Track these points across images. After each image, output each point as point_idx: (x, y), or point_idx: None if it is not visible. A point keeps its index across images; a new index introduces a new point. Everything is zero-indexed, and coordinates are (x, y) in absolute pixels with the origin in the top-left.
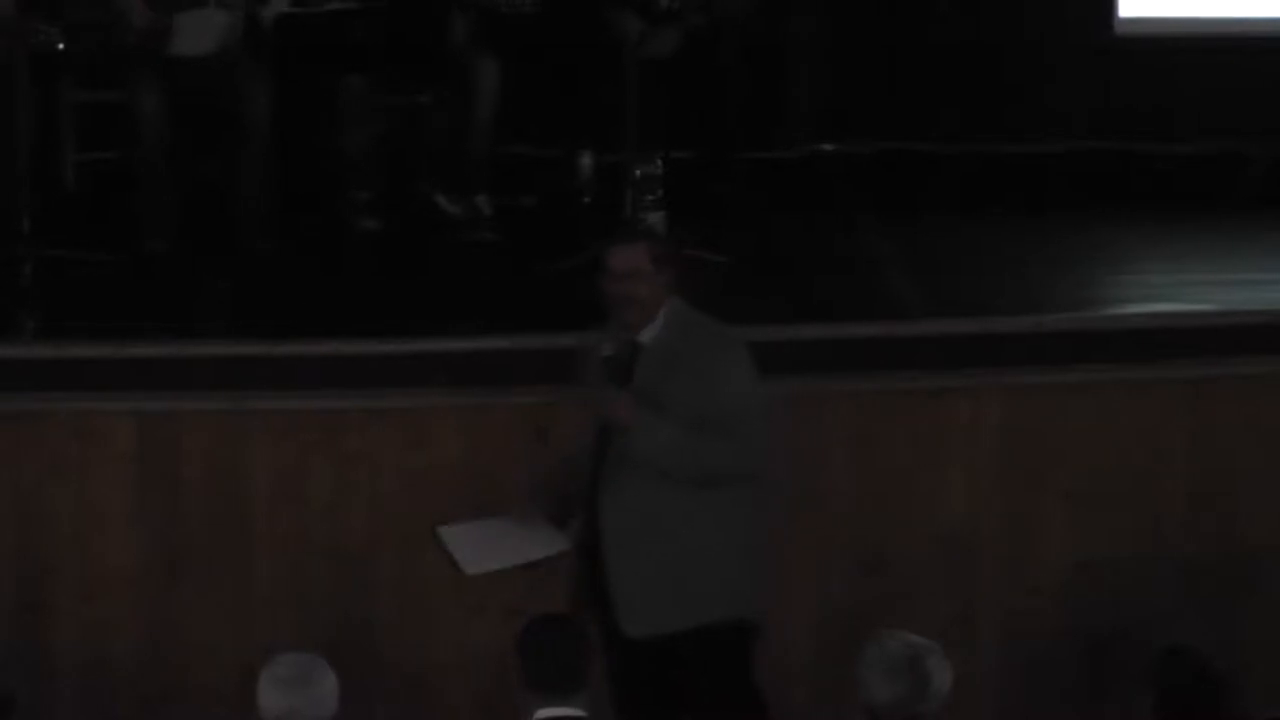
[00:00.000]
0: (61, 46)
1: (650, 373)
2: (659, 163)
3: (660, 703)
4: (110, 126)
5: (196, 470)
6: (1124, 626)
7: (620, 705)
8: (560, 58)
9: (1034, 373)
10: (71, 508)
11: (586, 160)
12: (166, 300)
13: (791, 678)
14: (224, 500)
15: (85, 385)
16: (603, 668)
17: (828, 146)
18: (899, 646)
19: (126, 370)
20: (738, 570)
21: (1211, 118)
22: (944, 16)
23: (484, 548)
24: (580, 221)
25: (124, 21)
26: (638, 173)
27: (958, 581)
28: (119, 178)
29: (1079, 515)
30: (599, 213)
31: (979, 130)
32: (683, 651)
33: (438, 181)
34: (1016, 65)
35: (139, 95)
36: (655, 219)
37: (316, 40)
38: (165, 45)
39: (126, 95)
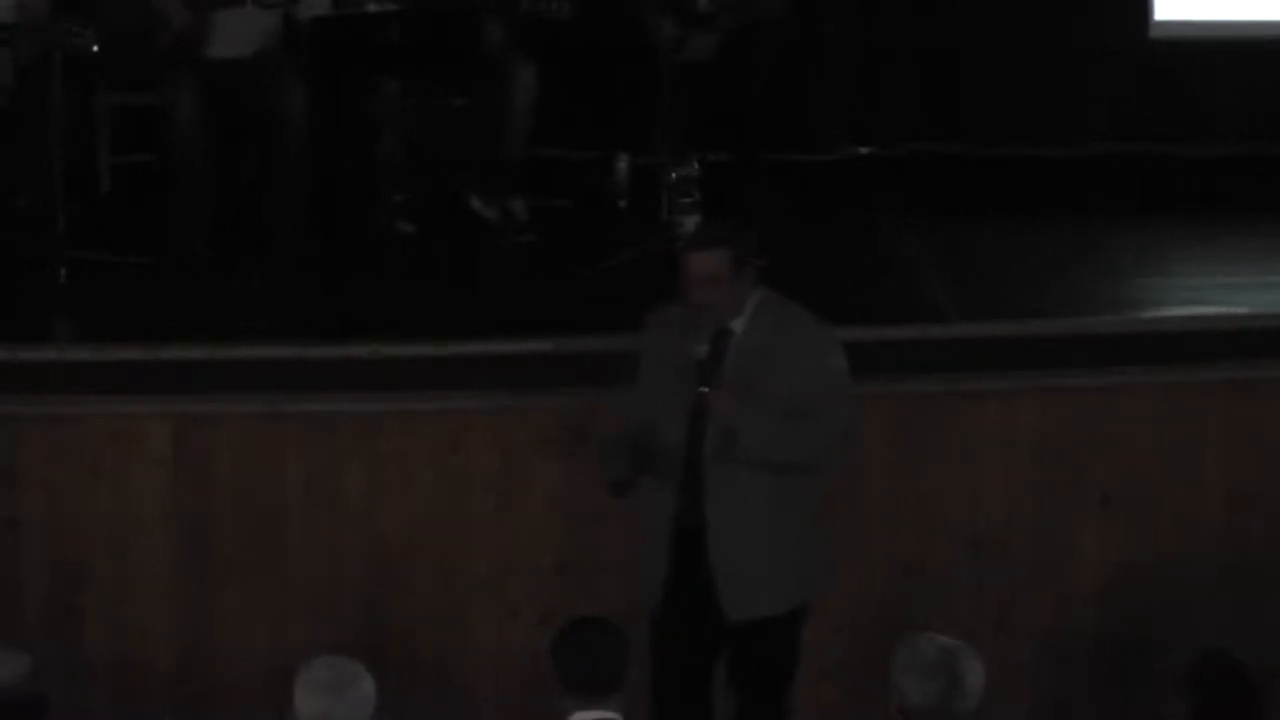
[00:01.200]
0: (96, 49)
1: (743, 362)
2: (695, 165)
3: (736, 679)
4: (145, 129)
5: (232, 473)
6: (1158, 630)
7: (693, 685)
8: (596, 61)
9: (1070, 375)
10: (106, 510)
11: (622, 163)
12: (202, 303)
13: (825, 678)
14: (259, 503)
15: (120, 388)
16: (673, 653)
17: (862, 149)
18: (931, 647)
19: (161, 373)
20: (821, 555)
21: (1249, 120)
22: (978, 19)
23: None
24: (616, 224)
25: (161, 22)
26: (674, 175)
27: (993, 584)
28: (154, 180)
29: (1115, 518)
30: (635, 216)
31: (1014, 133)
32: (774, 630)
33: (473, 185)
34: (1051, 68)
35: (175, 97)
36: (691, 222)
37: (352, 43)
38: (202, 46)
39: (162, 97)
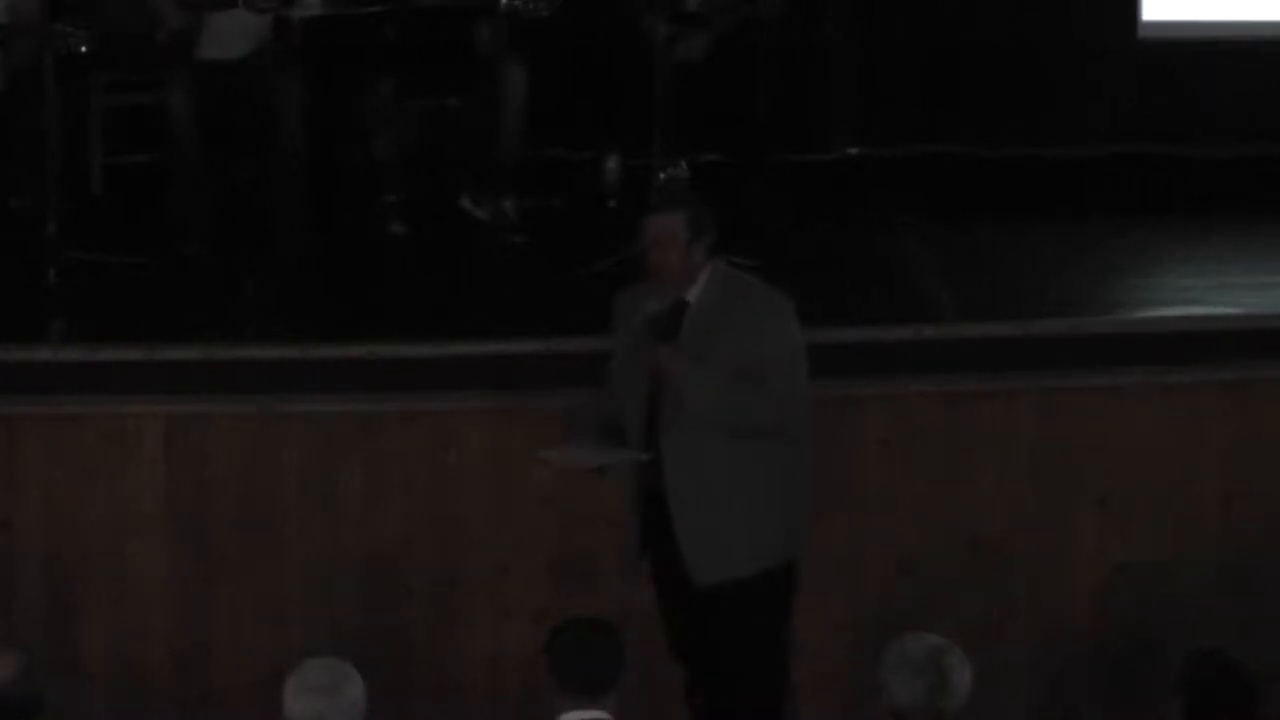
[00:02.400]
0: (85, 49)
1: (696, 329)
2: (684, 165)
3: (716, 646)
4: (139, 129)
5: (228, 473)
6: (1154, 630)
7: (677, 651)
8: (587, 61)
9: (1068, 376)
10: (103, 510)
11: (613, 163)
12: (197, 303)
13: (823, 679)
14: (255, 503)
15: (116, 388)
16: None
17: (859, 150)
18: (918, 646)
19: (157, 373)
20: (793, 514)
21: (1244, 120)
22: (975, 20)
23: (574, 455)
24: (607, 225)
25: (156, 21)
26: (662, 176)
27: (990, 584)
28: (148, 180)
29: (1112, 518)
30: (625, 216)
31: (1011, 133)
32: (743, 595)
33: (464, 185)
34: (1049, 68)
35: (172, 96)
36: None
37: (346, 43)
38: (195, 46)
39: (159, 97)
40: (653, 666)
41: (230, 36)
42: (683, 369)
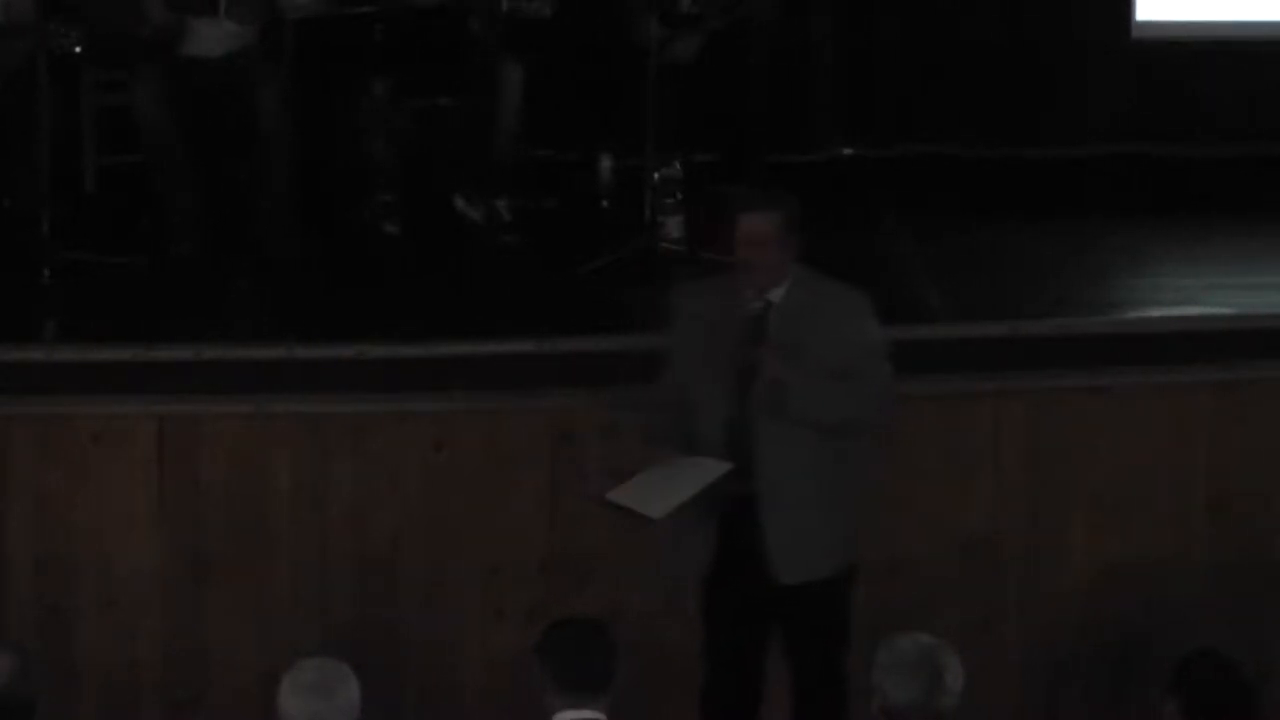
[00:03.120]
0: (78, 49)
1: (786, 329)
2: (678, 166)
3: (797, 645)
4: (131, 129)
5: (219, 473)
6: (1148, 630)
7: (726, 656)
8: (581, 62)
9: (1059, 376)
10: (94, 511)
11: (607, 164)
12: (189, 303)
13: None
14: (246, 503)
15: (107, 388)
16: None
17: (851, 150)
18: (910, 645)
19: (148, 373)
20: (864, 515)
21: (1238, 120)
22: (970, 20)
23: (656, 492)
24: (600, 225)
25: (140, 17)
26: (657, 176)
27: (981, 585)
28: (140, 181)
29: (1103, 518)
30: (618, 216)
31: (1006, 133)
32: (825, 593)
33: (458, 185)
34: (1044, 68)
35: (140, 92)
36: (675, 222)
37: (340, 43)
38: (179, 44)
39: (136, 94)
40: (648, 667)
41: (212, 38)
42: (782, 372)
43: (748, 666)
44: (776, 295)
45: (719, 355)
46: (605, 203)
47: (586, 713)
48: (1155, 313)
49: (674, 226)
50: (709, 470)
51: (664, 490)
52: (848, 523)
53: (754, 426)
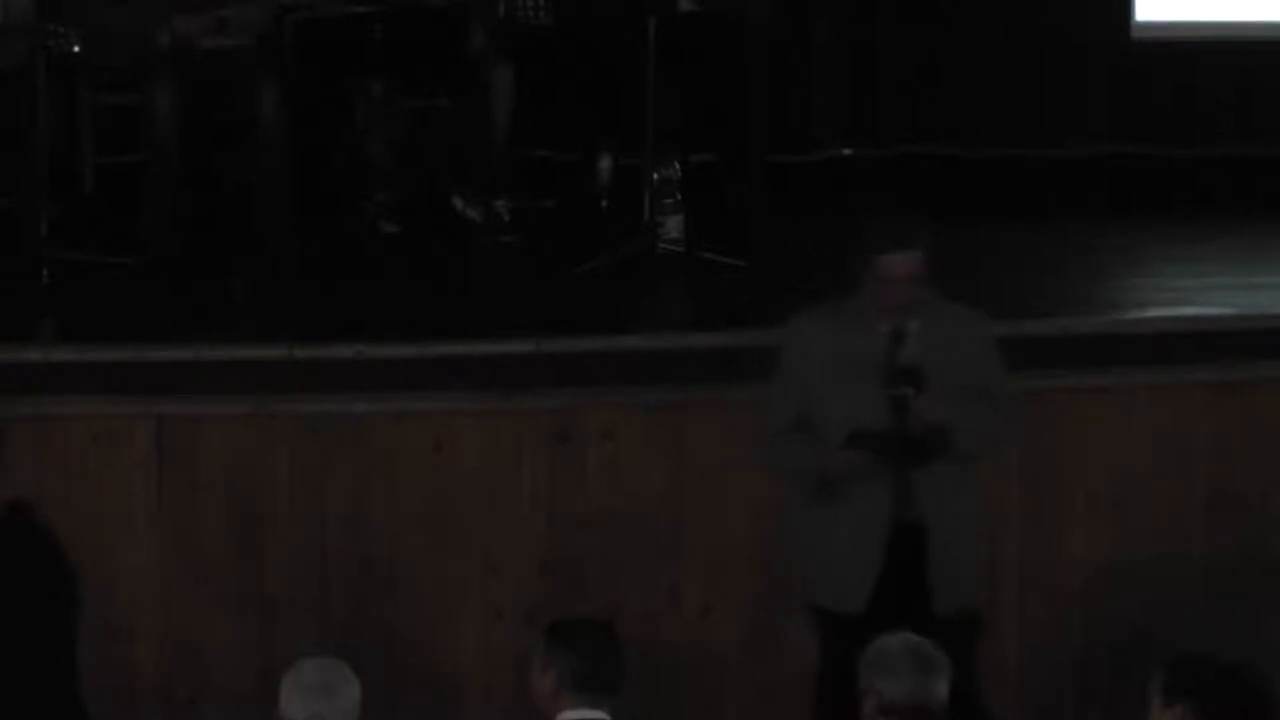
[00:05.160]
0: (76, 49)
1: (925, 359)
2: (676, 166)
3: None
4: (129, 130)
5: (217, 473)
6: (1147, 630)
7: None
8: (579, 62)
9: (1058, 376)
10: (91, 511)
11: (605, 164)
12: (186, 303)
13: (812, 681)
14: (244, 503)
15: (105, 388)
16: None
17: (850, 150)
18: (895, 641)
19: (146, 373)
20: None
21: (1236, 121)
22: (967, 20)
23: None
24: (598, 225)
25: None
26: (655, 176)
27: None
28: (138, 181)
29: (1101, 518)
30: (617, 216)
31: (1004, 134)
32: (968, 623)
33: (456, 185)
34: (1042, 68)
35: (159, 99)
36: (673, 223)
37: (337, 43)
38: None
39: (144, 97)
40: (648, 667)
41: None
42: (939, 410)
43: None
44: (911, 326)
45: (851, 384)
46: (604, 203)
47: (594, 713)
48: (1155, 313)
49: (673, 226)
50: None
51: None
52: (981, 548)
53: (903, 456)
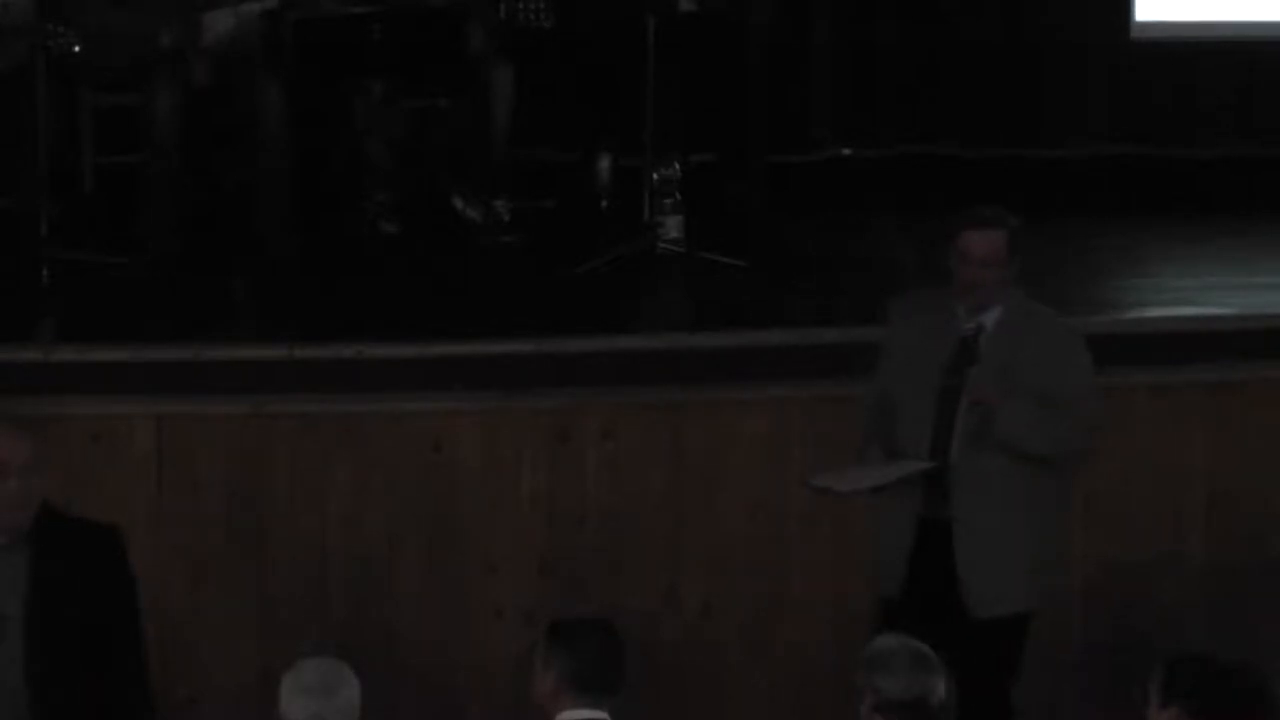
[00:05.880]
0: (76, 49)
1: (996, 354)
2: (676, 166)
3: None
4: (129, 130)
5: (217, 473)
6: (1146, 630)
7: None
8: (579, 62)
9: None
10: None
11: (605, 164)
12: (187, 303)
13: (809, 683)
14: (244, 503)
15: (105, 388)
16: None
17: (850, 150)
18: (893, 640)
19: (146, 373)
20: (1056, 554)
21: (1234, 121)
22: (967, 20)
23: (853, 476)
24: (598, 225)
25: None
26: (655, 176)
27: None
28: (138, 181)
29: (1098, 518)
30: (617, 216)
31: (1003, 134)
32: (1012, 631)
33: (456, 185)
34: (1040, 69)
35: (161, 101)
36: (673, 223)
37: (336, 43)
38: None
39: (144, 97)
40: (647, 667)
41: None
42: (996, 397)
43: None
44: (990, 318)
45: (925, 370)
46: (604, 203)
47: (595, 713)
48: (1154, 313)
49: (672, 226)
50: (907, 465)
51: (860, 475)
52: (1043, 558)
53: (953, 451)
